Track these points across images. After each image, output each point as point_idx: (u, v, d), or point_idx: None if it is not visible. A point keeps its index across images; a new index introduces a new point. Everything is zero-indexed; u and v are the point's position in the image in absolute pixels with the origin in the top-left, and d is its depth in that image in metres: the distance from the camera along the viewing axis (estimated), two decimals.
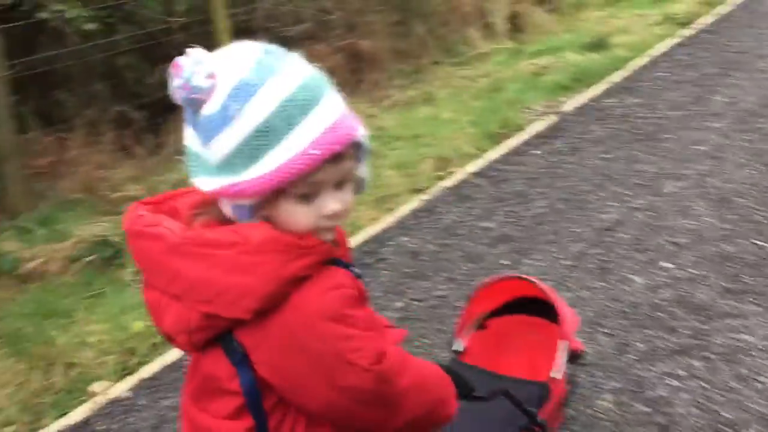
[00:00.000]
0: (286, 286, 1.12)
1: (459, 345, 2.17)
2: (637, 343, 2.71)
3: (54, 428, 2.61)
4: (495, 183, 4.17)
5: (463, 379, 1.54)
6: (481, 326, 2.22)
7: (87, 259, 3.84)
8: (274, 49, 1.16)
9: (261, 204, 1.15)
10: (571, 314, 2.14)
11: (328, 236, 1.24)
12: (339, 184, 1.19)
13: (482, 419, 1.85)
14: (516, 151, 4.57)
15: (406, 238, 3.63)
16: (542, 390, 2.02)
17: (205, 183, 1.16)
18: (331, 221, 1.20)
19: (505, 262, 3.33)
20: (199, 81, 1.10)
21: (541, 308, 2.17)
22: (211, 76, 1.11)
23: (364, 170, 1.28)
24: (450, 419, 1.37)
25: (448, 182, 4.23)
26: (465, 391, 1.53)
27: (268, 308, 1.13)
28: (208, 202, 1.21)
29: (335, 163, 1.15)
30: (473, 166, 4.42)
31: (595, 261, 3.28)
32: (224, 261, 1.11)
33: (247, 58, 1.13)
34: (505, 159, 4.48)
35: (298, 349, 1.14)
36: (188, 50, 1.13)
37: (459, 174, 4.33)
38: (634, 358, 2.64)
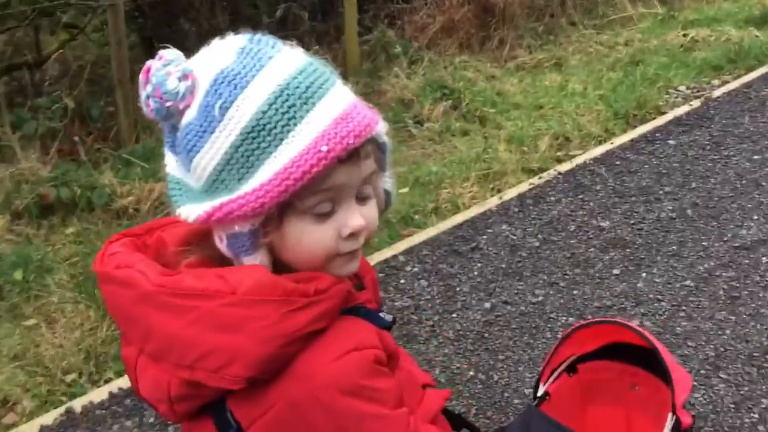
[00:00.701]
0: (287, 346, 0.87)
1: (542, 390, 1.84)
2: (763, 400, 2.28)
3: (111, 387, 2.52)
4: (618, 174, 3.70)
5: None
6: (572, 370, 1.88)
7: None
8: (262, 37, 0.91)
9: (263, 228, 0.89)
10: (683, 377, 1.76)
11: (350, 267, 0.97)
12: (360, 195, 0.94)
13: None
14: (648, 139, 4.05)
15: (506, 227, 3.27)
16: None
17: (191, 210, 0.90)
18: (353, 243, 0.94)
19: (616, 272, 2.92)
20: (173, 84, 0.87)
21: (642, 355, 1.80)
22: (186, 76, 0.87)
23: (389, 182, 1.03)
24: None
25: (565, 166, 3.81)
26: None
27: (269, 374, 0.88)
28: (200, 235, 0.96)
29: (353, 164, 0.89)
30: (596, 151, 3.96)
31: (724, 286, 2.81)
32: (206, 316, 0.86)
33: (227, 48, 0.89)
34: (633, 146, 3.98)
35: (304, 430, 0.89)
36: (159, 51, 0.89)
37: (578, 158, 3.89)
38: (756, 418, 2.22)
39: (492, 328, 2.65)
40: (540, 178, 3.69)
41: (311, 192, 0.87)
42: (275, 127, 0.85)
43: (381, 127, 0.94)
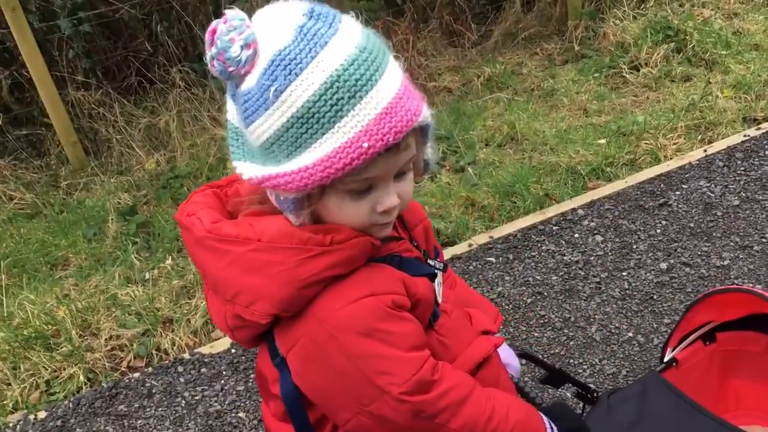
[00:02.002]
0: (306, 288, 0.97)
1: (669, 356, 1.73)
2: None
3: None
4: None
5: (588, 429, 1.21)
6: (710, 338, 1.74)
7: None
8: (320, 9, 0.93)
9: (306, 200, 0.98)
10: None
11: (384, 233, 1.04)
12: (398, 174, 0.99)
13: None
14: None
15: (705, 183, 3.00)
16: None
17: (246, 169, 1.00)
18: (387, 217, 1.01)
19: None
20: (236, 51, 0.93)
21: None
22: (249, 45, 0.93)
23: (429, 152, 1.04)
24: None
25: None
26: None
27: (292, 312, 0.99)
28: (263, 191, 1.05)
29: (391, 155, 0.94)
30: None
31: None
32: (238, 259, 0.99)
33: (287, 23, 0.92)
34: None
35: (323, 364, 1.00)
36: (226, 12, 0.94)
37: None
38: None
39: (663, 290, 2.49)
40: (758, 129, 3.29)
41: (351, 178, 0.94)
42: (323, 117, 0.90)
43: (425, 112, 0.96)
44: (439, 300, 1.14)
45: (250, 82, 0.94)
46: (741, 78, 3.83)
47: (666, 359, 1.73)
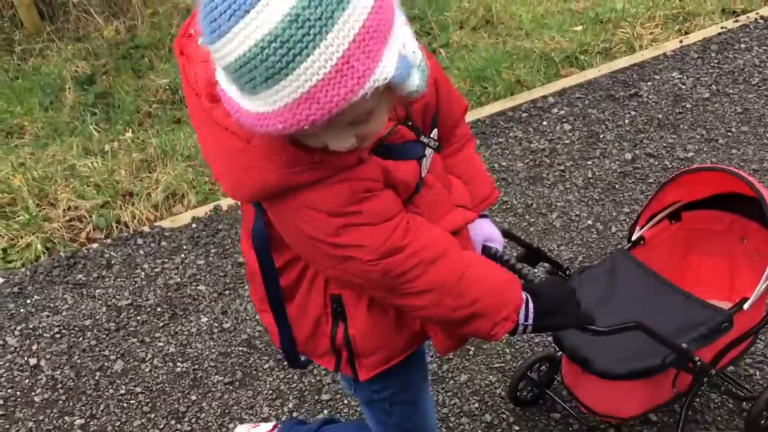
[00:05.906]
0: (284, 189, 0.99)
1: (638, 234, 1.76)
2: None
3: None
4: None
5: (575, 307, 1.22)
6: (676, 217, 1.76)
7: None
8: None
9: None
10: None
11: (365, 145, 0.99)
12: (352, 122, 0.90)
13: (623, 341, 1.49)
14: None
15: (677, 75, 2.96)
16: (719, 320, 1.56)
17: (221, 81, 0.92)
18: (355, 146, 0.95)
19: None
20: None
21: (757, 208, 1.62)
22: None
23: (414, 83, 0.89)
24: (491, 338, 1.16)
25: None
26: (579, 322, 1.23)
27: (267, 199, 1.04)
28: None
29: (328, 126, 0.85)
30: None
31: None
32: (226, 150, 0.98)
33: None
34: None
35: (294, 230, 1.06)
36: None
37: None
38: None
39: (626, 180, 2.51)
40: (736, 21, 3.22)
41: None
42: (259, 78, 0.81)
43: (378, 74, 0.81)
44: (423, 174, 1.13)
45: None
46: None
47: (634, 238, 1.76)
